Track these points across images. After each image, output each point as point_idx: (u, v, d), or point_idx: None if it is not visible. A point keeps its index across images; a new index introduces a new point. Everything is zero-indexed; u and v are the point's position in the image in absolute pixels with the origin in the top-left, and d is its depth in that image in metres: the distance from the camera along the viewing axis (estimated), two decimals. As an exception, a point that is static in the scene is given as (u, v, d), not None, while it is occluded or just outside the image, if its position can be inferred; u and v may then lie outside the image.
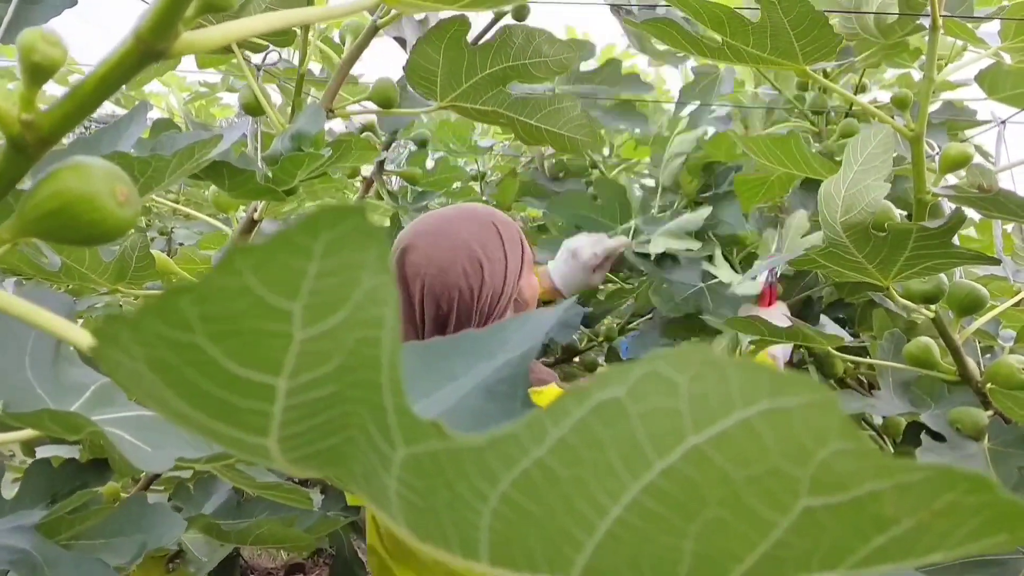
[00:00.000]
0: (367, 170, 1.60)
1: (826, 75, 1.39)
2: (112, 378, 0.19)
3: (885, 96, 1.67)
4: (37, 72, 0.31)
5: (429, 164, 1.79)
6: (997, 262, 0.66)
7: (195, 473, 1.22)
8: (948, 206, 0.79)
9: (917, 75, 1.46)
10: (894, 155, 0.98)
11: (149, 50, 0.29)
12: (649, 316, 1.68)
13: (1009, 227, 1.46)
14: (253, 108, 1.03)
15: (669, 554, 0.17)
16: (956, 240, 0.66)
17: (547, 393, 0.90)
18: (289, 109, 1.09)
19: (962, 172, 0.87)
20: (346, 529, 1.83)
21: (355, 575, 1.86)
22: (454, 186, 1.87)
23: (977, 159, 0.80)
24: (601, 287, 1.63)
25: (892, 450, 1.15)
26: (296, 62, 1.12)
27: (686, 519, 0.17)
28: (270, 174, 0.81)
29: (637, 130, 2.03)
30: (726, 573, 0.18)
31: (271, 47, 1.13)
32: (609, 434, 0.17)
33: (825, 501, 0.16)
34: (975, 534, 0.17)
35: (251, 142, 1.15)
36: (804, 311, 1.25)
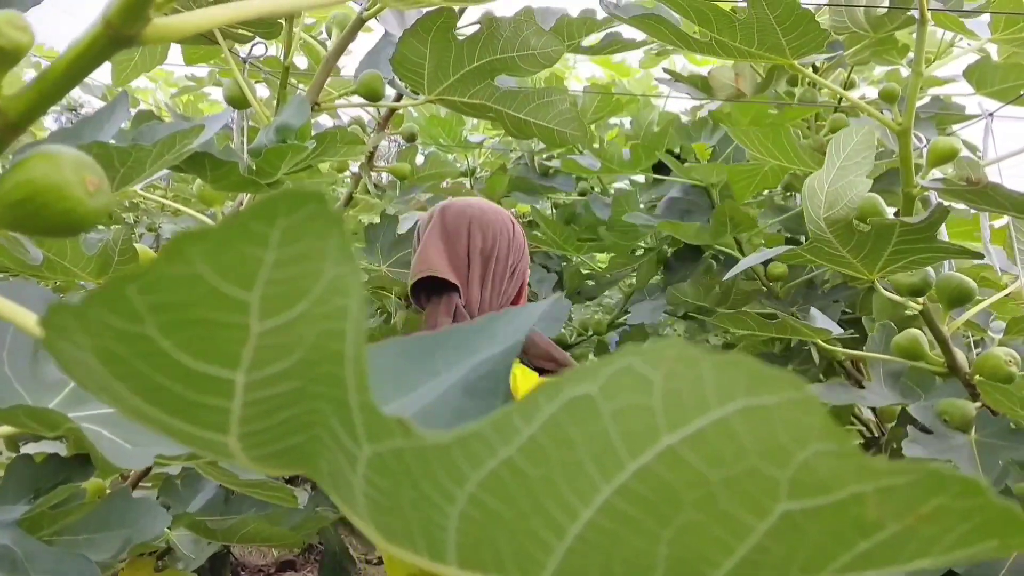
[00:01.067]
0: (356, 166, 1.59)
1: (815, 70, 1.39)
2: (65, 371, 0.19)
3: (873, 93, 1.67)
4: (2, 57, 0.29)
5: (419, 160, 1.78)
6: (980, 256, 0.65)
7: (183, 470, 1.21)
8: (935, 199, 0.79)
9: (905, 72, 1.45)
10: (882, 149, 0.98)
11: (118, 35, 0.28)
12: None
13: (998, 223, 1.46)
14: (238, 101, 1.02)
15: (643, 559, 0.17)
16: (944, 231, 0.66)
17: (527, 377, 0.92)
18: (275, 103, 1.08)
19: (949, 168, 0.87)
20: (336, 525, 1.82)
21: (345, 571, 1.85)
22: (443, 184, 1.86)
23: (964, 153, 0.80)
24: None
25: (886, 435, 1.14)
26: (282, 56, 1.11)
27: (660, 522, 0.16)
28: (254, 167, 0.80)
29: (628, 125, 2.02)
30: (703, 577, 0.17)
31: (257, 39, 1.12)
32: (580, 433, 0.16)
33: (805, 504, 0.15)
34: (964, 540, 0.17)
35: (237, 136, 1.14)
36: (807, 294, 1.24)
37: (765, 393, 0.15)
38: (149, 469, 1.20)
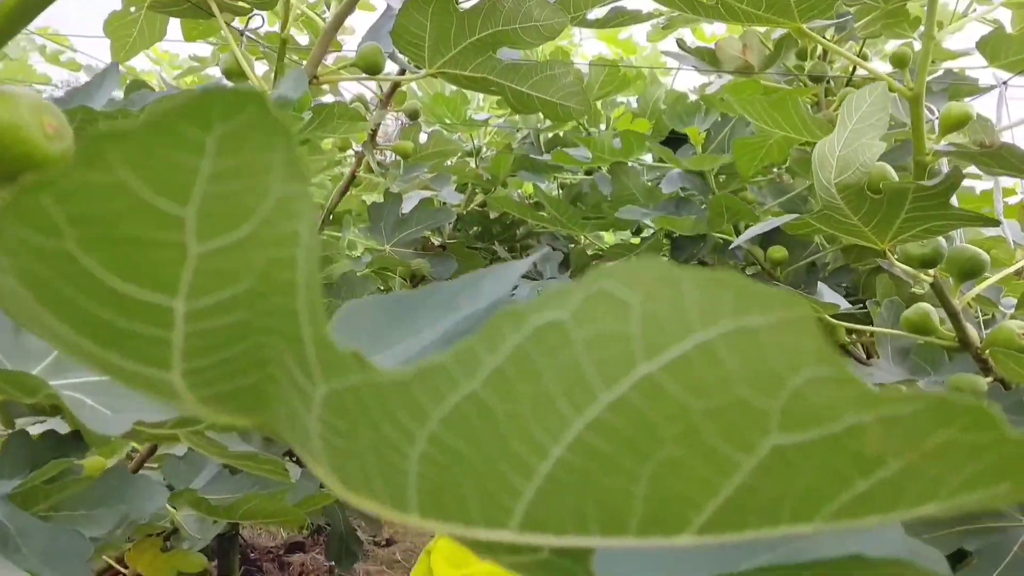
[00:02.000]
0: (360, 145, 1.57)
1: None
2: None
3: (885, 68, 1.64)
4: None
5: (422, 138, 1.76)
6: (997, 223, 0.64)
7: (188, 451, 1.21)
8: (946, 170, 0.77)
9: (918, 46, 1.42)
10: (892, 123, 0.95)
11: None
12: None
13: (1012, 199, 1.44)
14: (235, 74, 1.00)
15: (619, 500, 0.15)
16: (955, 201, 0.64)
17: None
18: (273, 76, 1.07)
19: (961, 138, 0.84)
20: (342, 505, 1.82)
21: (351, 552, 1.85)
22: (447, 162, 1.84)
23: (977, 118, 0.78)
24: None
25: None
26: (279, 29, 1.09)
27: (637, 459, 0.15)
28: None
29: (635, 103, 1.99)
30: (684, 523, 0.15)
31: (254, 11, 1.10)
32: (550, 363, 0.15)
33: (798, 437, 0.14)
34: (974, 482, 0.15)
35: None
36: (808, 278, 1.23)
37: (753, 313, 0.13)
38: (155, 449, 1.20)
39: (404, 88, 1.76)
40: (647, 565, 0.20)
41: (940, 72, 1.33)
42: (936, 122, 0.78)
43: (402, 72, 1.28)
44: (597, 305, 0.14)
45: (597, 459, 0.15)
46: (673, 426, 0.14)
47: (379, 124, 1.56)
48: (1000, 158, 0.62)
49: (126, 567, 1.27)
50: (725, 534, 0.15)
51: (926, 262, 0.74)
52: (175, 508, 1.22)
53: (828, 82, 1.36)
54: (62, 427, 0.90)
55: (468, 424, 0.15)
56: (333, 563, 1.86)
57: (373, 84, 1.56)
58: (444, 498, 0.16)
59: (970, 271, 0.74)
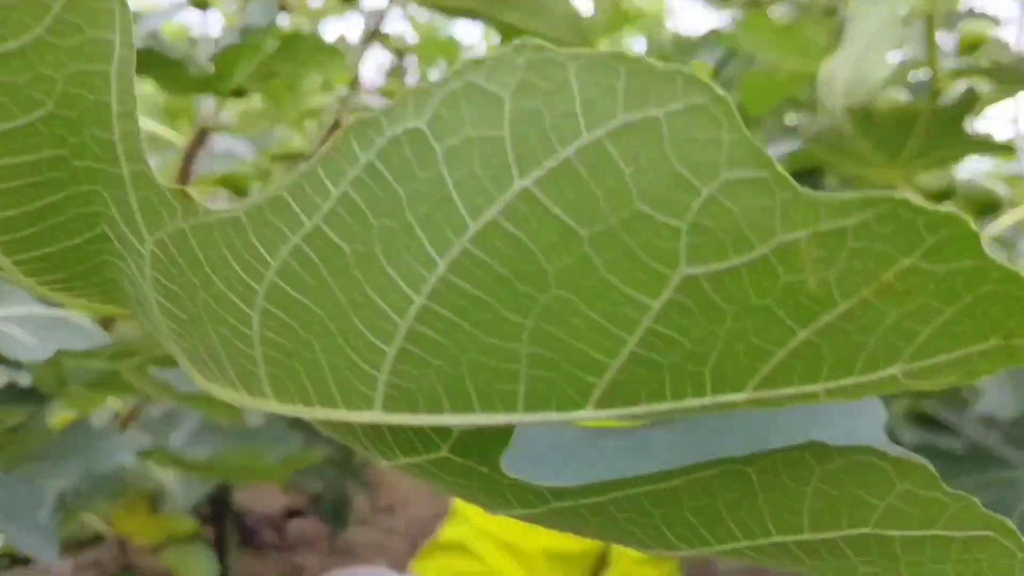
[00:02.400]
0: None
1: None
2: None
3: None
4: None
5: (410, 81, 1.71)
6: (1012, 151, 0.60)
7: (170, 408, 1.19)
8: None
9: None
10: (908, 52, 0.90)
11: None
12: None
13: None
14: (200, 1, 0.95)
15: (498, 364, 0.12)
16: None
17: None
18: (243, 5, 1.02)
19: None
20: (336, 469, 1.81)
21: (345, 519, 1.84)
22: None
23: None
24: None
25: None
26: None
27: (517, 307, 0.11)
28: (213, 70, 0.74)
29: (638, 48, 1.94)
30: (582, 391, 0.12)
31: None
32: (407, 185, 0.11)
33: (715, 265, 0.11)
34: (949, 334, 0.11)
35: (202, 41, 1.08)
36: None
37: (652, 101, 0.10)
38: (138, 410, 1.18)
39: (390, 32, 1.70)
40: (577, 465, 0.17)
41: (964, 9, 1.29)
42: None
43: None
44: (463, 104, 0.11)
45: (469, 311, 0.12)
46: (559, 259, 0.11)
47: (357, 63, 1.51)
48: (1014, 73, 0.58)
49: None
50: (635, 406, 0.12)
51: (940, 195, 0.70)
52: (153, 461, 1.20)
53: (843, 18, 1.30)
54: (27, 380, 0.88)
55: (314, 271, 0.12)
56: (330, 525, 1.86)
57: (359, 24, 1.50)
58: (296, 373, 0.13)
59: (984, 206, 0.70)
